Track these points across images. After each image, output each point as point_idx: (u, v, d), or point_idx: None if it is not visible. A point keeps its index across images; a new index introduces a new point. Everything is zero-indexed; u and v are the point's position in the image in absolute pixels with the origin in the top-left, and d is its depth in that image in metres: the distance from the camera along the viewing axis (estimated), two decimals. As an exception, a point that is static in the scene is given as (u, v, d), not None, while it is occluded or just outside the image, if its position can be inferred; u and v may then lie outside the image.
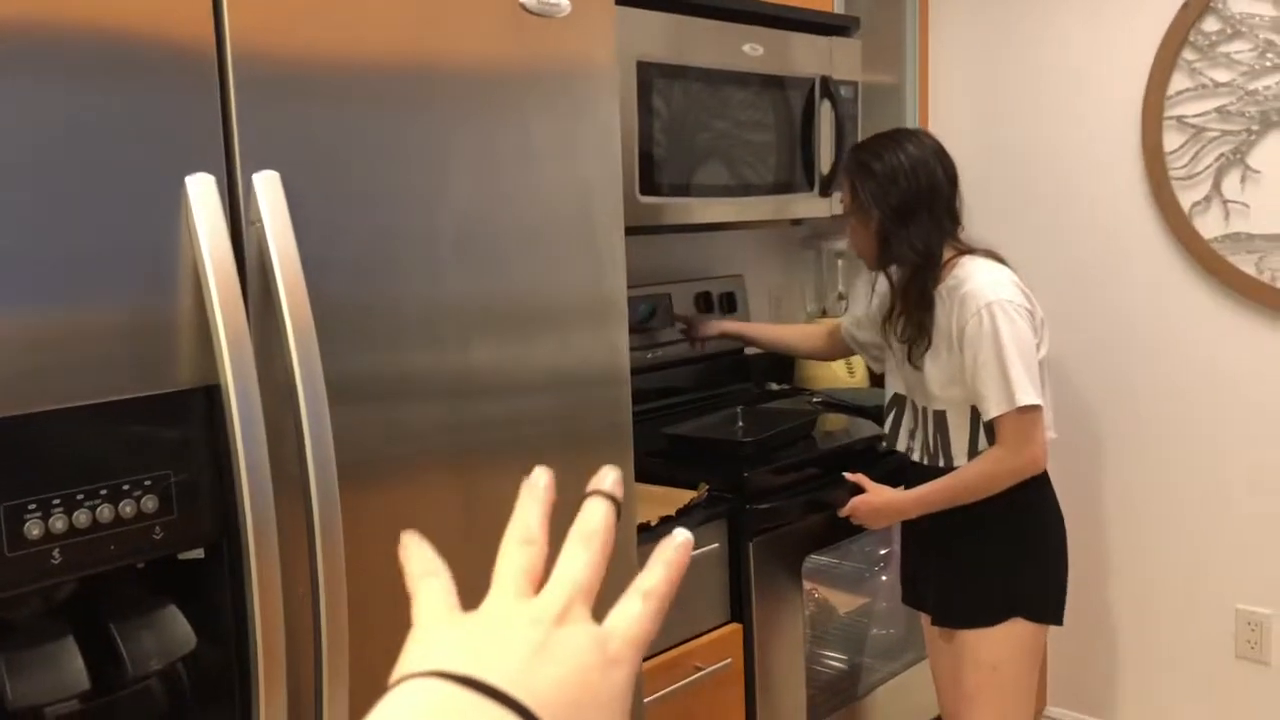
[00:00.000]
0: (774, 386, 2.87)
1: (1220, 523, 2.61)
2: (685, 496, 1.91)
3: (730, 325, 2.49)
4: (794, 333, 2.55)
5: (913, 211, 1.90)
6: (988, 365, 1.82)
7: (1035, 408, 1.82)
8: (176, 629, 1.06)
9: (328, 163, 1.14)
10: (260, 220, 1.06)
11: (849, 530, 2.14)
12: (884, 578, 2.67)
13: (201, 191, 1.03)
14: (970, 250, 1.96)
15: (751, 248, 2.95)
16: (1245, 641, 2.60)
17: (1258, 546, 2.56)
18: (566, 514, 1.49)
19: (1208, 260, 2.54)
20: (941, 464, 1.94)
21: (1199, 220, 2.55)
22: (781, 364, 2.88)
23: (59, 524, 0.95)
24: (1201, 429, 2.62)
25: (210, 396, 1.04)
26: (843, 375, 2.88)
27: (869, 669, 2.45)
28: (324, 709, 1.09)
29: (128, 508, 1.00)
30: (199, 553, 1.08)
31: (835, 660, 2.47)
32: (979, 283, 1.87)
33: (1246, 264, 2.49)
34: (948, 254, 1.94)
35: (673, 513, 1.84)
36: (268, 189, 1.07)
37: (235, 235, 1.07)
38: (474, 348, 1.31)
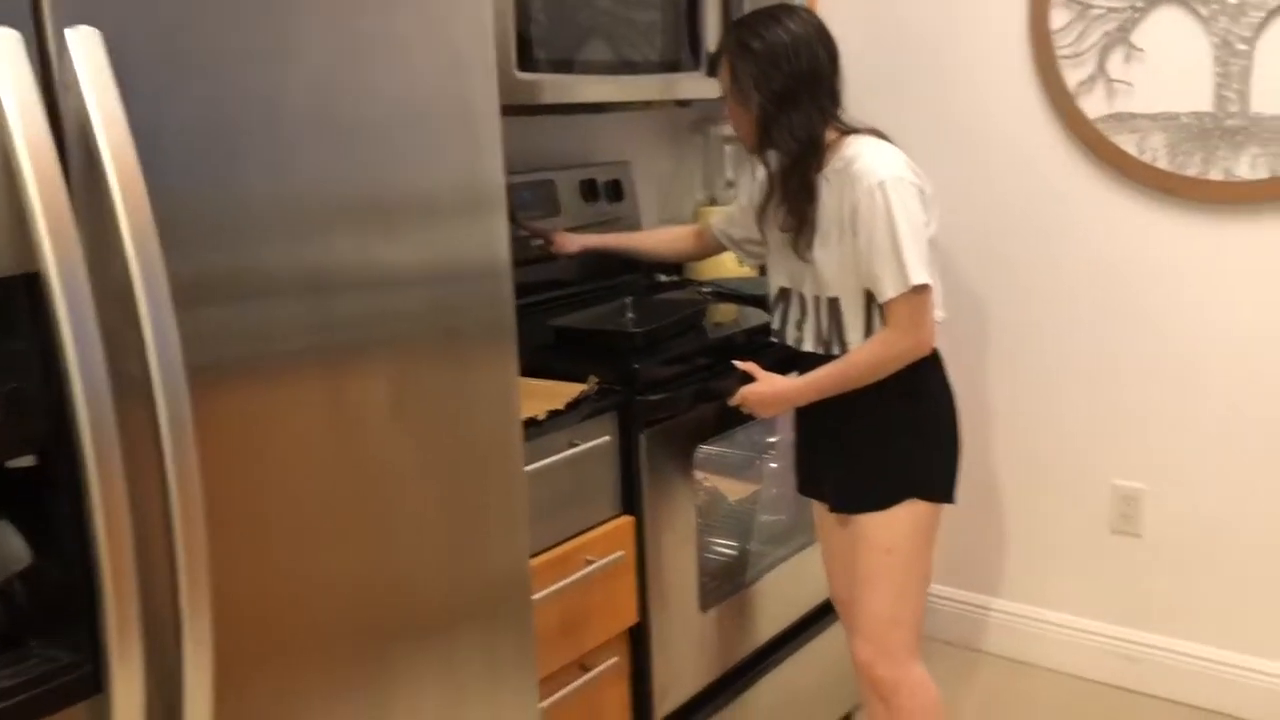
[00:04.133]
0: (662, 278, 2.80)
1: (1098, 401, 2.67)
2: (574, 390, 1.84)
3: (592, 239, 2.38)
4: (658, 238, 2.45)
5: (794, 96, 1.83)
6: (882, 245, 1.78)
7: (926, 288, 1.79)
8: (8, 544, 0.96)
9: (155, 21, 1.01)
10: (78, 84, 0.93)
11: (739, 419, 2.11)
12: (772, 465, 2.67)
13: (6, 50, 0.89)
14: (854, 129, 1.90)
15: (637, 132, 2.86)
16: (1120, 515, 2.68)
17: (1133, 423, 2.63)
18: (451, 429, 1.37)
19: (1091, 140, 2.54)
20: (836, 351, 1.91)
21: (1084, 100, 2.54)
22: (669, 253, 2.81)
23: None
24: (1081, 308, 2.65)
25: (31, 286, 0.92)
26: (731, 265, 2.82)
27: (758, 555, 2.45)
28: (184, 630, 1.01)
29: (-62, 411, 0.88)
30: (30, 460, 0.97)
31: (725, 547, 2.47)
32: (869, 161, 1.81)
33: (1128, 144, 2.50)
34: (831, 135, 1.88)
35: (561, 406, 1.78)
36: (85, 47, 0.93)
37: (50, 104, 0.94)
38: (336, 238, 1.19)
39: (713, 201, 3.02)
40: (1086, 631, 2.78)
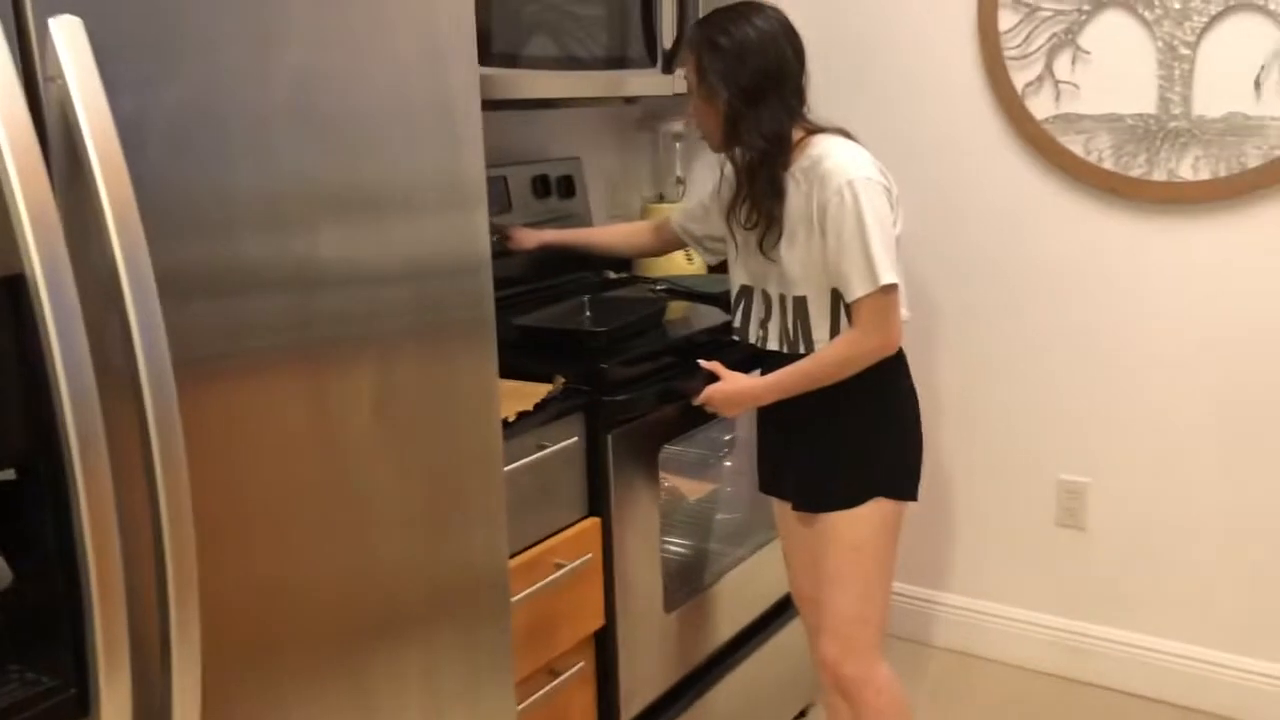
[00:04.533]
0: (613, 275, 2.78)
1: (1044, 396, 2.71)
2: (540, 390, 1.82)
3: (549, 235, 2.37)
4: (616, 234, 2.44)
5: (762, 93, 1.83)
6: (851, 244, 1.78)
7: (894, 288, 1.80)
8: (-12, 564, 0.91)
9: (139, 10, 0.96)
10: (61, 75, 0.88)
11: (703, 419, 2.10)
12: (729, 463, 2.67)
13: (-15, 39, 0.84)
14: (820, 129, 1.90)
15: (587, 129, 2.83)
16: (1065, 509, 2.73)
17: (1078, 418, 2.68)
18: (432, 426, 1.34)
19: (1039, 140, 2.58)
20: (802, 350, 1.91)
21: (1031, 101, 2.58)
22: (621, 251, 2.79)
23: None
24: (1027, 305, 2.69)
25: (14, 289, 0.87)
26: (681, 262, 2.82)
27: (718, 554, 2.45)
28: (172, 642, 0.96)
29: (-84, 424, 0.83)
30: (9, 474, 0.92)
31: (687, 547, 2.46)
32: (838, 160, 1.82)
33: (1075, 144, 2.55)
34: (797, 134, 1.88)
35: (530, 407, 1.75)
36: (68, 37, 0.88)
37: (31, 96, 0.89)
38: (319, 231, 1.16)
39: (661, 198, 3.01)
40: (1033, 624, 2.83)
